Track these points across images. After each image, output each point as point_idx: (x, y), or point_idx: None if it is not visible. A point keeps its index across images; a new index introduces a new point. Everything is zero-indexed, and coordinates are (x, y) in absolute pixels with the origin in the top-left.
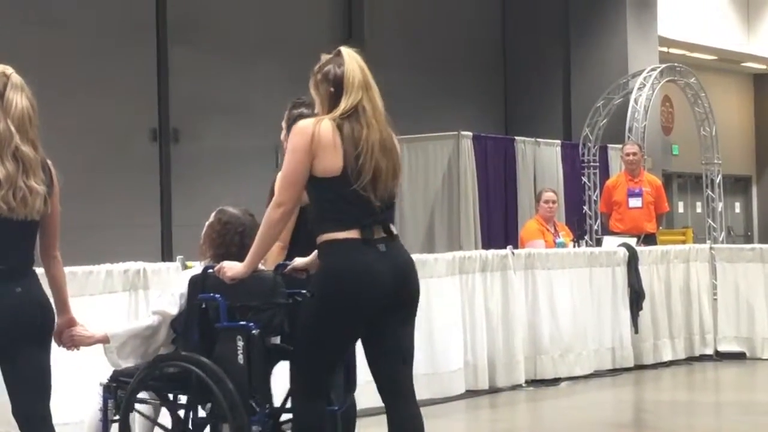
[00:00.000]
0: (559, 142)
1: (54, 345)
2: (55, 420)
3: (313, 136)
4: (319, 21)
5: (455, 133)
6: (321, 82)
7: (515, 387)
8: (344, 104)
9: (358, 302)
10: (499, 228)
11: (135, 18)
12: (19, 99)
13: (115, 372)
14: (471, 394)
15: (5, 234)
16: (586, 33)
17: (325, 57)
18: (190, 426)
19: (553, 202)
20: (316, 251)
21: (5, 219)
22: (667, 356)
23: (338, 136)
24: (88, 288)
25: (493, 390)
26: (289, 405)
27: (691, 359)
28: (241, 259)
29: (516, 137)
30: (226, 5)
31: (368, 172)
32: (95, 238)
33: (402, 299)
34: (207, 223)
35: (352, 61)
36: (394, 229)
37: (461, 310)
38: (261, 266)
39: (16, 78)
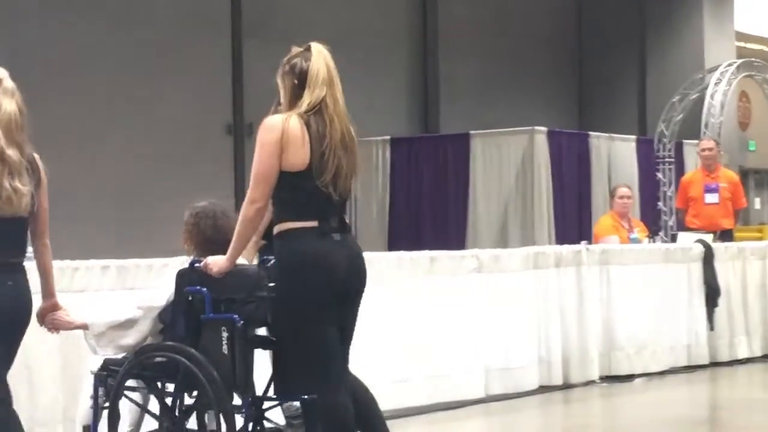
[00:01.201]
0: (634, 137)
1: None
2: None
3: (283, 132)
4: (394, 14)
5: (529, 128)
6: (287, 73)
7: (589, 383)
8: (308, 99)
9: (323, 286)
10: (573, 223)
11: (210, 13)
12: (8, 104)
13: (105, 361)
14: (544, 389)
15: None
16: (662, 28)
17: (295, 50)
18: (177, 413)
19: (628, 197)
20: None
21: None
22: (743, 354)
23: (306, 133)
24: (163, 279)
25: (567, 386)
26: (270, 393)
27: (767, 357)
28: (218, 243)
29: (590, 133)
30: (301, 0)
31: (331, 169)
32: (169, 232)
33: (352, 287)
34: (184, 220)
35: (319, 56)
36: (347, 221)
37: (535, 305)
38: (244, 261)
39: (7, 83)
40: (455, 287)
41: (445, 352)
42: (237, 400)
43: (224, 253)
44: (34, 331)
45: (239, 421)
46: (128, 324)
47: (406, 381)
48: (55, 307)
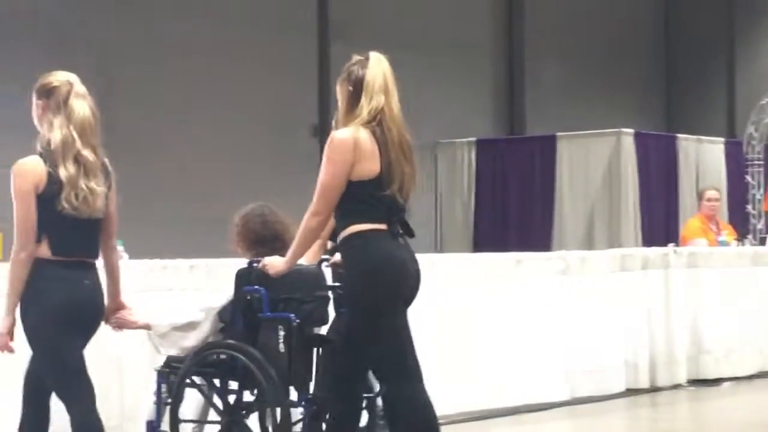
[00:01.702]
0: (722, 140)
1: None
2: None
3: (355, 149)
4: (480, 17)
5: (616, 130)
6: (344, 80)
7: (676, 386)
8: (366, 107)
9: (398, 286)
10: (660, 226)
11: (297, 14)
12: (81, 107)
13: (168, 358)
14: (631, 392)
15: (73, 230)
16: (751, 29)
17: (355, 58)
18: (237, 409)
19: (716, 200)
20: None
21: (71, 216)
22: None
23: (375, 145)
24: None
25: (654, 389)
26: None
27: None
28: (269, 240)
29: (678, 135)
30: (388, 3)
31: (397, 177)
32: None
33: (415, 288)
34: (234, 223)
35: (376, 65)
36: (409, 225)
37: (621, 307)
38: (303, 261)
39: (79, 87)
40: (541, 289)
41: (530, 354)
42: (294, 396)
43: (276, 249)
44: None
45: (297, 417)
46: (190, 326)
47: (491, 383)
48: (120, 307)
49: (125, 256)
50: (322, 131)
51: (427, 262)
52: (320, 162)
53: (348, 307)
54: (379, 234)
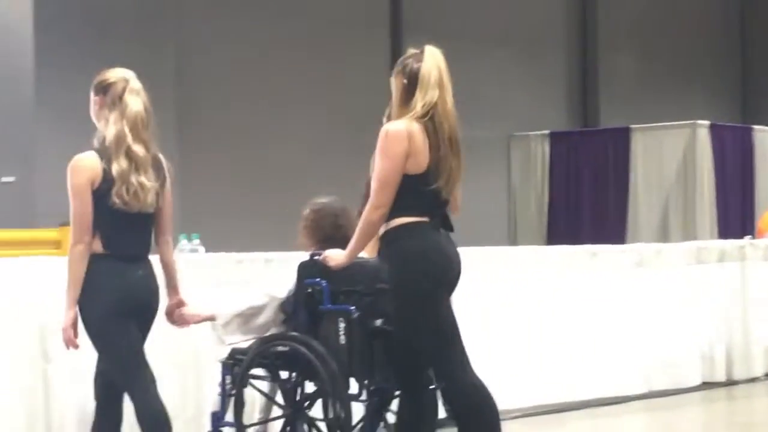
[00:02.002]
0: None
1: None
2: None
3: (409, 142)
4: (554, 10)
5: (691, 122)
6: (398, 73)
7: (753, 380)
8: (420, 101)
9: (441, 277)
10: (736, 218)
11: (371, 10)
12: (134, 102)
13: (232, 350)
14: (707, 385)
15: (125, 225)
16: None
17: (411, 51)
18: (299, 401)
19: None
20: None
21: (122, 211)
22: None
23: (426, 139)
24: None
25: (730, 382)
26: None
27: None
28: (337, 241)
29: (754, 126)
30: None
31: (443, 172)
32: None
33: (456, 278)
34: (302, 216)
35: (431, 58)
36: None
37: (697, 300)
38: (363, 254)
39: (134, 83)
40: (616, 282)
41: (606, 347)
42: (354, 389)
43: (342, 248)
44: None
45: (359, 410)
46: (253, 311)
47: (566, 376)
48: (181, 303)
49: (201, 249)
50: None
51: (500, 254)
52: None
53: (393, 298)
54: (421, 226)
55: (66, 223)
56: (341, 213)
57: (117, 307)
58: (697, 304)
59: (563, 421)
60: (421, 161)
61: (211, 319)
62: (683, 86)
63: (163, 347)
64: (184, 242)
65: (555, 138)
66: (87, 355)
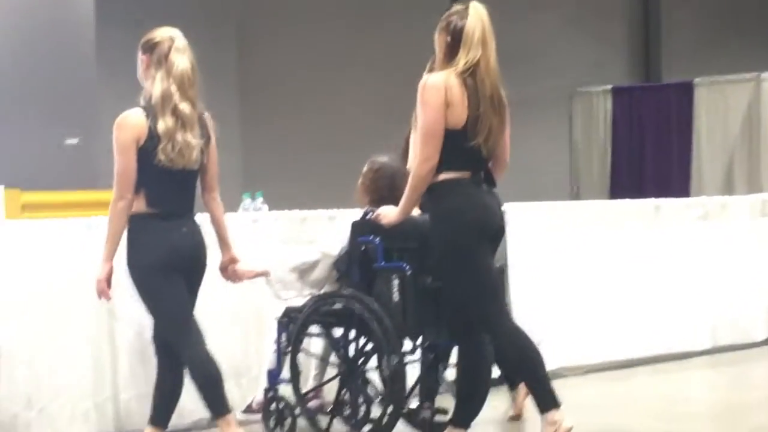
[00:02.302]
0: None
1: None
2: None
3: (446, 92)
4: None
5: (755, 74)
6: (442, 30)
7: None
8: (464, 59)
9: (481, 230)
10: None
11: None
12: (181, 61)
13: (287, 308)
14: None
15: (169, 182)
16: None
17: (456, 7)
18: (353, 358)
19: None
20: None
21: (167, 169)
22: None
23: (465, 93)
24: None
25: None
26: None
27: None
28: (392, 201)
29: None
30: None
31: (483, 130)
32: None
33: (501, 231)
34: (362, 173)
35: (475, 15)
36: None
37: (763, 254)
38: (417, 211)
39: (180, 41)
40: (680, 235)
41: (671, 302)
42: (409, 345)
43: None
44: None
45: (414, 366)
46: (306, 267)
47: (632, 331)
48: (233, 260)
49: (265, 207)
50: None
51: (563, 209)
52: None
53: (436, 251)
54: (462, 181)
55: None
56: (398, 173)
57: (161, 265)
58: (763, 258)
59: (631, 376)
60: (459, 113)
61: (265, 274)
62: (746, 39)
63: (225, 306)
64: (247, 201)
65: (617, 93)
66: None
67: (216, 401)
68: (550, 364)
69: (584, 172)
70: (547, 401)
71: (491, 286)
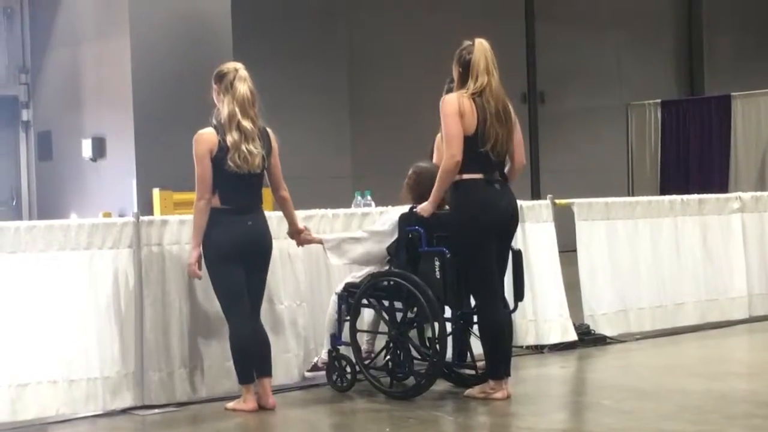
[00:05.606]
0: None
1: None
2: None
3: (459, 105)
4: None
5: None
6: (455, 63)
7: None
8: (473, 85)
9: (489, 223)
10: None
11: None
12: (242, 87)
13: (346, 284)
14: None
15: (236, 184)
16: None
17: (465, 43)
18: (401, 324)
19: None
20: None
21: (235, 173)
22: None
23: (473, 108)
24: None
25: None
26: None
27: None
28: (427, 199)
29: None
30: None
31: (490, 137)
32: None
33: (512, 225)
34: (407, 176)
35: (479, 49)
36: (506, 175)
37: None
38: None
39: (242, 72)
40: (721, 224)
41: (714, 279)
42: (448, 314)
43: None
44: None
45: (449, 329)
46: (354, 240)
47: (679, 304)
48: (299, 230)
49: (372, 204)
50: (529, 98)
51: (622, 203)
52: (529, 125)
53: (455, 239)
54: (476, 182)
55: None
56: (436, 176)
57: (225, 251)
58: None
59: (677, 342)
60: (469, 122)
61: (321, 242)
62: None
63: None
64: (358, 198)
65: (666, 105)
66: None
67: (242, 371)
68: (609, 332)
69: (638, 173)
70: (498, 370)
71: (488, 274)
